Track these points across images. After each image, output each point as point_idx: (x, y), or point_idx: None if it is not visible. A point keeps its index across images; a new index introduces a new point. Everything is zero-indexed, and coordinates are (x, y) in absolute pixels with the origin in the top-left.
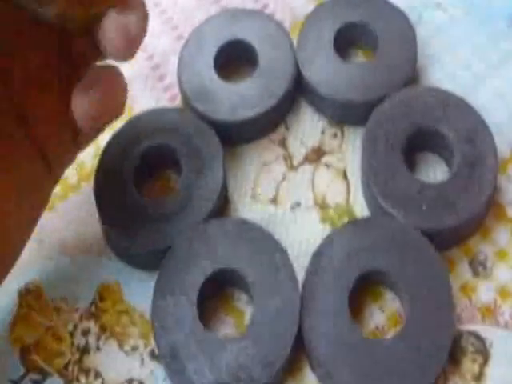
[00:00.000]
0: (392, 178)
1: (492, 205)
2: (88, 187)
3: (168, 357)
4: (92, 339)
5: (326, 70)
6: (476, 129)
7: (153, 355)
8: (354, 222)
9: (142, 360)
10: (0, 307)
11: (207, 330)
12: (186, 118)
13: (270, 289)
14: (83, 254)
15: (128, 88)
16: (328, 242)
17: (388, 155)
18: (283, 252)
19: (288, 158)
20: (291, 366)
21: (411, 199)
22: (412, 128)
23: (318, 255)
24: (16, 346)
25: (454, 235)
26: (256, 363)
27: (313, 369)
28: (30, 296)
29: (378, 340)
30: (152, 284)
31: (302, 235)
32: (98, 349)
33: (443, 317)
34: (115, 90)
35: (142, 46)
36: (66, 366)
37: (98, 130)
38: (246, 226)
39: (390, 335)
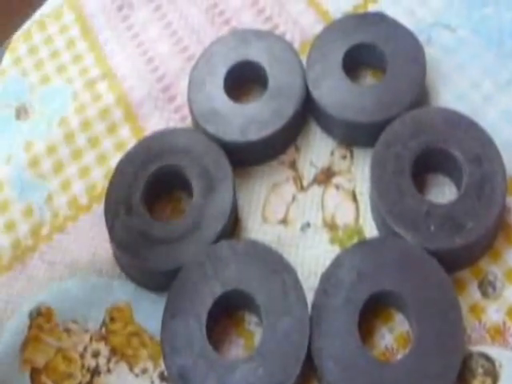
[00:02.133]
0: (400, 199)
1: (501, 225)
2: (99, 208)
3: (177, 379)
4: (102, 361)
5: (335, 91)
6: (484, 149)
7: (162, 377)
8: (363, 243)
9: (152, 382)
10: (11, 329)
11: (217, 352)
12: (196, 138)
13: (279, 310)
14: (94, 276)
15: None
16: (337, 262)
17: (397, 176)
18: (293, 273)
19: (298, 179)
20: None
21: (420, 220)
22: (421, 149)
23: (327, 276)
24: (26, 368)
25: (462, 256)
26: None
27: None
28: (40, 318)
29: (387, 362)
30: (162, 306)
31: (311, 256)
32: (108, 371)
33: (453, 338)
34: None
35: (153, 67)
36: None
37: None
38: (256, 247)
39: (399, 356)
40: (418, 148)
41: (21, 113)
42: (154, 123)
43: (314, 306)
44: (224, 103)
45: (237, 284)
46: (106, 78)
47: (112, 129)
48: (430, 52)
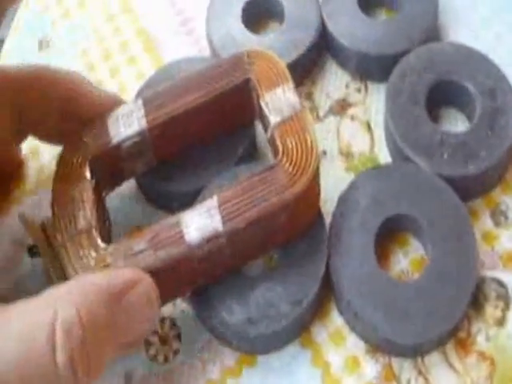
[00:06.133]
0: (415, 127)
1: None
2: None
3: (197, 293)
4: None
5: (349, 24)
6: (497, 83)
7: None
8: (379, 168)
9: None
10: None
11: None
12: None
13: None
14: None
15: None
16: (353, 186)
17: (411, 106)
18: None
19: (314, 110)
20: (319, 308)
21: (434, 148)
22: (435, 81)
23: (343, 199)
24: None
25: (475, 184)
26: (284, 301)
27: (340, 311)
28: None
29: (403, 282)
30: None
31: (327, 182)
32: None
33: (466, 262)
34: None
35: (171, 2)
36: None
37: None
38: None
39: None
40: (432, 80)
41: (43, 45)
42: (173, 55)
43: (331, 227)
44: (242, 34)
45: None
46: (125, 12)
47: (132, 60)
48: None
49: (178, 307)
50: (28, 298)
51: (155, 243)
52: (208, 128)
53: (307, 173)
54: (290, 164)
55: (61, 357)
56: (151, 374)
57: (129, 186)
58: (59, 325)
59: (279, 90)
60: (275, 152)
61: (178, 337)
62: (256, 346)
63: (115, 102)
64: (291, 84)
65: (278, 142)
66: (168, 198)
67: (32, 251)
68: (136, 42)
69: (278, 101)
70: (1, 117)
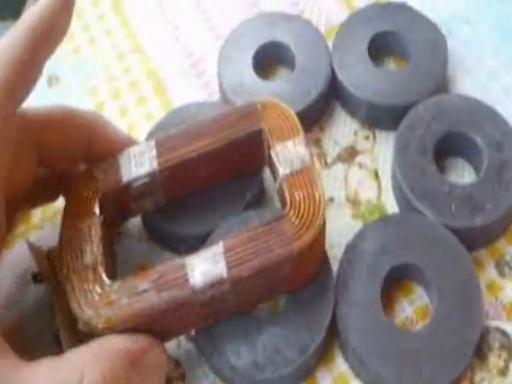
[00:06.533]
0: (423, 178)
1: None
2: None
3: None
4: None
5: (360, 74)
6: (504, 136)
7: (189, 336)
8: (387, 217)
9: (179, 341)
10: None
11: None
12: None
13: None
14: None
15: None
16: (361, 234)
17: (419, 156)
18: None
19: (322, 156)
20: (324, 353)
21: (441, 199)
22: (443, 132)
23: (351, 247)
24: None
25: (481, 236)
26: (291, 346)
27: (345, 357)
28: None
29: (408, 331)
30: None
31: (334, 228)
32: None
33: (471, 312)
34: None
35: (182, 44)
36: None
37: None
38: None
39: (418, 327)
40: (441, 131)
41: (52, 81)
42: (182, 98)
43: (338, 274)
44: (252, 80)
45: None
46: (135, 52)
47: (141, 100)
48: (451, 44)
49: (183, 348)
50: (52, 359)
51: (159, 284)
52: (217, 173)
53: (314, 227)
54: (297, 217)
55: None
56: None
57: (135, 224)
58: None
59: (290, 143)
60: (283, 203)
61: (182, 378)
62: None
63: (130, 142)
64: (302, 137)
65: (287, 194)
66: (174, 240)
67: (36, 278)
68: (146, 82)
69: (289, 153)
70: (25, 155)
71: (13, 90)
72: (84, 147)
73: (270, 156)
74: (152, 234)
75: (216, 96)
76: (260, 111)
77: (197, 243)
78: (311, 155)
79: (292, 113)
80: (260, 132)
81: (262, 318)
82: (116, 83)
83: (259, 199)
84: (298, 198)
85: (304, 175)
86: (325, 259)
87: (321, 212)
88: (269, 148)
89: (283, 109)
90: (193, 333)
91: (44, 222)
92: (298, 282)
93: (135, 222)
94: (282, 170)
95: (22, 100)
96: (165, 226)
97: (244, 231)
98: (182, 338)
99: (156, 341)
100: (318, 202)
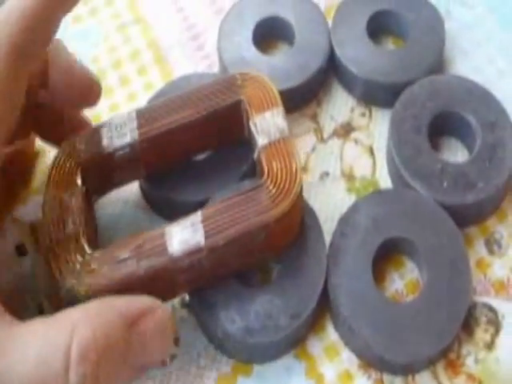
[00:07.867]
0: (416, 155)
1: (509, 189)
2: None
3: (201, 302)
4: None
5: (358, 51)
6: (497, 117)
7: (183, 303)
8: (380, 192)
9: (173, 307)
10: None
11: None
12: None
13: (298, 246)
14: None
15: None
16: (354, 208)
17: (414, 134)
18: (312, 214)
19: (318, 131)
20: (315, 322)
21: (434, 175)
22: (437, 111)
23: (344, 220)
24: None
25: (471, 213)
26: (283, 313)
27: (335, 326)
28: None
29: (398, 302)
30: None
31: (328, 202)
32: None
33: (459, 286)
34: None
35: (183, 17)
36: None
37: None
38: None
39: (408, 299)
40: (435, 110)
41: None
42: (182, 68)
43: (331, 245)
44: (252, 53)
45: None
46: (137, 23)
47: (142, 70)
48: (448, 26)
49: (177, 314)
50: (45, 317)
51: (139, 253)
52: (198, 144)
53: (289, 197)
54: (274, 186)
55: (74, 381)
56: (147, 377)
57: (134, 193)
58: (74, 350)
59: (268, 114)
60: (261, 173)
61: (176, 342)
62: (252, 354)
63: (87, 79)
64: (281, 109)
65: (264, 164)
66: (171, 207)
67: (20, 250)
68: (146, 52)
69: (267, 124)
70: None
71: (24, 48)
72: (41, 72)
73: (249, 127)
74: (150, 202)
75: (216, 68)
76: (240, 83)
77: (193, 210)
78: (289, 126)
79: (271, 84)
80: (239, 103)
81: (255, 286)
82: (117, 53)
83: (255, 170)
84: (275, 168)
85: (282, 146)
86: (301, 230)
87: (297, 182)
88: (248, 119)
89: (262, 80)
90: (187, 299)
91: (28, 197)
92: (272, 251)
93: (133, 190)
94: (261, 140)
95: (35, 59)
96: (162, 193)
97: (223, 200)
98: (175, 303)
99: (158, 302)
100: (294, 172)
